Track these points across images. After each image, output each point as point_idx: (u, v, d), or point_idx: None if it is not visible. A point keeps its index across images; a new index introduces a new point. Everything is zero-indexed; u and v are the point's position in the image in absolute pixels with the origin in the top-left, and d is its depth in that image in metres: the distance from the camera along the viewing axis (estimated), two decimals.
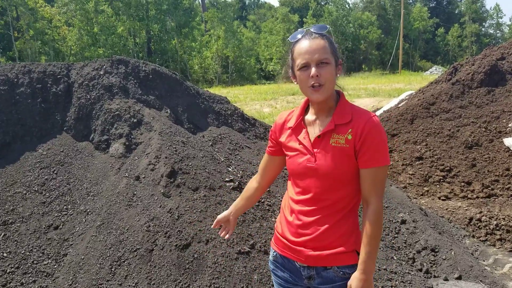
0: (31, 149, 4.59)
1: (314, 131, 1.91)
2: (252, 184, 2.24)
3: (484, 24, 65.99)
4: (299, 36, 1.88)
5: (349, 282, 1.84)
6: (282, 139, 2.02)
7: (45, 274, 3.64)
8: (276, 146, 2.09)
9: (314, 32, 1.85)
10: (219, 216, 2.25)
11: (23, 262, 3.69)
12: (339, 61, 1.89)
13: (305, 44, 1.82)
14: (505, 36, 65.19)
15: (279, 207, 4.32)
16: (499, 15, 65.80)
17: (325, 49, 1.80)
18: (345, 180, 1.85)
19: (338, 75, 1.88)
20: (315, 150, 1.87)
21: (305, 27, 1.93)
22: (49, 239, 3.89)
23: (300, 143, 1.93)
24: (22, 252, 3.76)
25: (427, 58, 59.72)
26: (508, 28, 67.32)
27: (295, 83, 1.92)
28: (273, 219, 4.08)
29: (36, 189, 4.25)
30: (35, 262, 3.71)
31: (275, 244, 2.08)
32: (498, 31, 67.89)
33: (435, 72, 39.40)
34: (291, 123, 2.00)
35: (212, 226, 2.34)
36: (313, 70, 1.78)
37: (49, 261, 3.73)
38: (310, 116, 1.96)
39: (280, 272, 2.07)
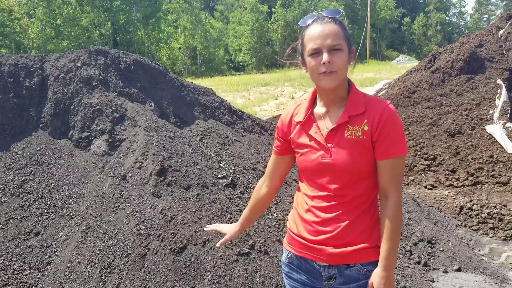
0: (5, 149, 4.23)
1: (326, 124, 1.77)
2: (262, 190, 2.06)
3: (447, 13, 67.40)
4: (310, 20, 1.73)
5: (370, 280, 1.74)
6: (291, 135, 1.86)
7: (27, 285, 3.34)
8: (285, 144, 1.93)
9: (327, 16, 1.70)
10: (223, 227, 2.15)
11: (2, 273, 3.38)
12: (352, 48, 1.75)
13: (316, 29, 1.68)
14: (467, 24, 66.79)
15: (276, 204, 4.14)
16: (462, 4, 67.37)
17: (338, 35, 1.67)
18: (364, 174, 1.73)
19: (350, 63, 1.75)
20: (329, 144, 1.73)
21: (316, 11, 1.77)
22: (30, 246, 3.58)
23: (312, 138, 1.78)
24: (1, 261, 3.44)
25: (393, 48, 60.52)
26: (469, 17, 69.03)
27: (305, 70, 1.79)
28: (270, 217, 3.90)
29: (12, 192, 3.91)
30: (15, 272, 3.40)
31: (289, 245, 1.92)
32: (461, 20, 69.52)
33: (402, 61, 40.01)
34: (299, 118, 1.85)
35: (205, 229, 2.22)
36: (325, 56, 1.64)
37: (31, 270, 3.43)
38: (319, 109, 1.81)
39: (296, 274, 1.91)
